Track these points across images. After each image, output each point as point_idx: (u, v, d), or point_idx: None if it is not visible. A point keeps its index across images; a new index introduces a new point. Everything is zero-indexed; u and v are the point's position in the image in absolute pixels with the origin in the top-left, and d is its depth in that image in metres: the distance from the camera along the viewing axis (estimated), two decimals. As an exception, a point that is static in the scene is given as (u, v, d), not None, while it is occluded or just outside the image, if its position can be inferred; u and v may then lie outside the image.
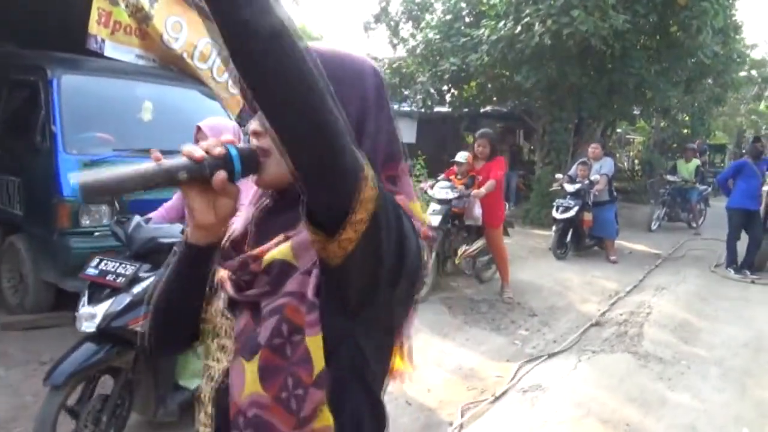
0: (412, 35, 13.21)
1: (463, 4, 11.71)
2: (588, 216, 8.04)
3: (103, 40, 4.71)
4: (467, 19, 11.66)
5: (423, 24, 12.29)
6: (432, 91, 11.98)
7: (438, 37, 11.27)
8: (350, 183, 0.76)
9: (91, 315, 2.59)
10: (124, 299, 2.60)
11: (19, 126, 4.44)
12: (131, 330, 2.57)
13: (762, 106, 23.64)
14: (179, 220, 3.08)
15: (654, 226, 11.15)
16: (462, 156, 6.24)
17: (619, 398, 3.93)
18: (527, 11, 9.15)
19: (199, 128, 2.84)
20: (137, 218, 2.81)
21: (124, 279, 2.64)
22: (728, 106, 19.11)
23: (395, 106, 12.15)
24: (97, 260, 2.77)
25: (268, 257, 0.85)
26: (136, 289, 2.64)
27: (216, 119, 2.97)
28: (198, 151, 0.80)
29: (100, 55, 4.77)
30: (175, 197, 3.11)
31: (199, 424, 0.96)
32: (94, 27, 4.64)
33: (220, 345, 0.92)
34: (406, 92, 12.14)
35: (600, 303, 6.23)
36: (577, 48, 9.44)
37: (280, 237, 0.87)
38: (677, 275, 7.64)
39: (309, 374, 0.82)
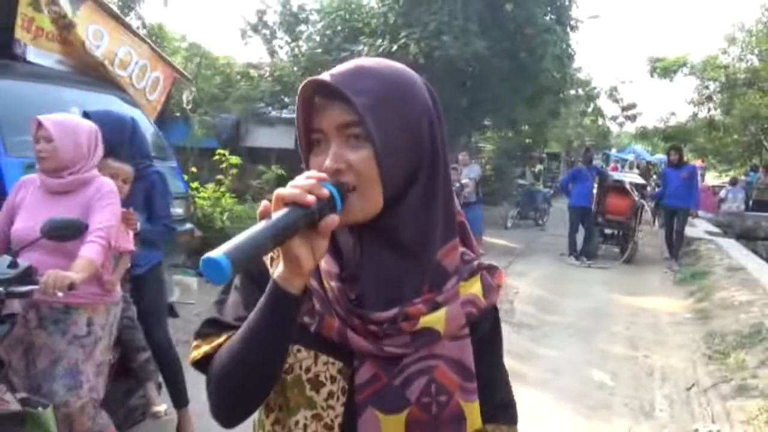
0: (289, 44, 13.77)
1: (338, 19, 12.52)
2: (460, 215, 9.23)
3: (26, 45, 4.80)
4: (343, 34, 12.49)
5: (303, 37, 12.94)
6: (314, 100, 12.57)
7: (319, 50, 11.99)
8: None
9: None
10: None
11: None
12: None
13: (587, 120, 27.51)
14: None
15: (509, 224, 12.85)
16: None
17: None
18: (403, 33, 10.22)
19: (40, 123, 2.34)
20: None
21: None
22: (561, 120, 22.05)
23: (276, 114, 12.65)
24: None
25: (423, 322, 0.85)
26: None
27: (65, 116, 2.50)
28: (306, 196, 0.73)
29: (21, 59, 4.84)
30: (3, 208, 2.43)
31: None
32: (18, 32, 4.72)
33: (328, 392, 0.87)
34: (287, 100, 12.65)
35: (475, 287, 7.38)
36: (443, 67, 10.70)
37: (428, 296, 0.87)
38: (532, 264, 9.11)
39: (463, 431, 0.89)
